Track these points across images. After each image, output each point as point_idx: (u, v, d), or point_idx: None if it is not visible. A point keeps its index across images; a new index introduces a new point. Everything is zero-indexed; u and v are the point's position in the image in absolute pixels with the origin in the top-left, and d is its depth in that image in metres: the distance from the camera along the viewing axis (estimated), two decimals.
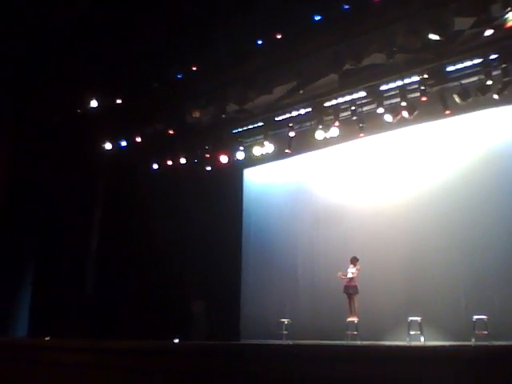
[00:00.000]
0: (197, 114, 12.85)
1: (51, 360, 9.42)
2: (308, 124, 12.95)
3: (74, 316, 13.85)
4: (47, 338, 11.23)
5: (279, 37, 11.13)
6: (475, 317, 9.97)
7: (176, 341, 11.16)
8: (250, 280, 14.30)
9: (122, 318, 13.56)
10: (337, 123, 12.18)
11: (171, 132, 13.67)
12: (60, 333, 11.73)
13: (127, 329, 13.06)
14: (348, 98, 12.13)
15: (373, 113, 11.71)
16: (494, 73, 10.16)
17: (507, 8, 8.79)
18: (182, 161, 14.03)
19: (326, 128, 12.28)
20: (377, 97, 11.53)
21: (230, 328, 13.33)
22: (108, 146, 14.11)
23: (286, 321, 12.47)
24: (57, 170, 14.60)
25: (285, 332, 12.32)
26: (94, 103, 13.52)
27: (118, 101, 13.44)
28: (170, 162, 14.21)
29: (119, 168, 14.37)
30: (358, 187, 13.08)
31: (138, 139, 13.84)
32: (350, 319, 11.52)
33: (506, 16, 8.83)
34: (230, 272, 14.05)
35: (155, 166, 14.50)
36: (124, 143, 14.15)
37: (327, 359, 7.37)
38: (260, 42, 11.44)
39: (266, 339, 12.22)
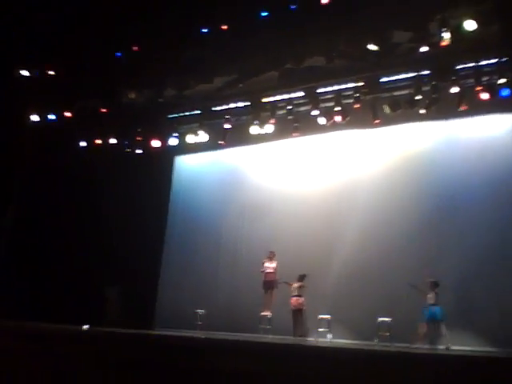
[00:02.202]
0: (132, 95, 12.56)
1: None
2: (244, 118, 12.96)
3: None
4: None
5: (225, 28, 11.10)
6: (380, 318, 10.45)
7: (86, 327, 10.79)
8: (171, 268, 14.12)
9: (32, 300, 12.90)
10: (272, 120, 12.31)
11: (104, 110, 13.24)
12: None
13: (38, 312, 12.45)
14: (286, 96, 12.29)
15: (308, 114, 11.91)
16: (424, 88, 10.65)
17: (443, 28, 9.27)
18: (112, 141, 13.64)
19: (262, 124, 12.38)
20: (313, 99, 11.76)
21: (144, 316, 13.06)
22: (35, 117, 13.45)
23: (200, 311, 12.48)
24: None
25: (199, 322, 12.33)
26: (24, 72, 12.81)
27: (51, 72, 12.83)
28: (99, 141, 13.75)
29: (45, 141, 13.71)
30: (286, 185, 13.23)
31: (68, 114, 13.30)
32: (263, 313, 11.75)
33: (442, 35, 9.31)
34: (149, 259, 13.76)
35: (83, 144, 13.97)
36: (52, 117, 13.53)
37: (232, 353, 7.48)
38: (205, 31, 11.36)
39: (180, 329, 12.18)
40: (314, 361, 6.72)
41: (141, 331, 10.83)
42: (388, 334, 10.25)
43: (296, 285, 11.60)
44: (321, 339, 10.85)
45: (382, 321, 10.41)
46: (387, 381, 6.14)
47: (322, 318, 11.07)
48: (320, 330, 11.02)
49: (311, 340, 11.00)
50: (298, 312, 11.49)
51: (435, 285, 10.23)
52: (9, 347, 8.83)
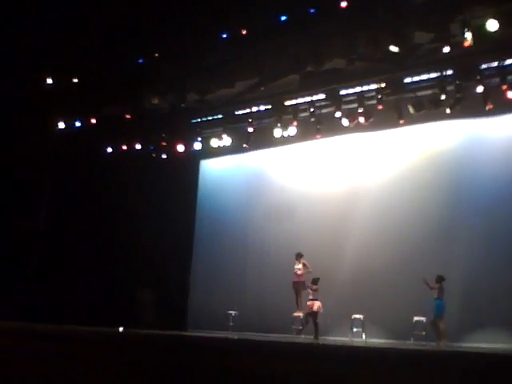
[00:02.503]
0: (156, 101, 12.72)
1: None
2: (267, 121, 13.04)
3: (16, 298, 13.53)
4: None
5: (244, 32, 11.12)
6: (415, 318, 10.44)
7: (121, 329, 11.14)
8: (200, 271, 14.37)
9: (67, 303, 13.35)
10: (295, 123, 12.34)
11: (128, 116, 13.46)
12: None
13: (72, 315, 12.89)
14: (308, 99, 12.30)
15: (330, 116, 11.90)
16: (448, 88, 10.51)
17: (465, 28, 9.14)
18: (138, 147, 13.88)
19: (285, 126, 12.43)
20: (335, 100, 11.73)
21: (177, 318, 13.35)
22: (61, 125, 13.77)
23: (233, 313, 12.66)
24: (9, 146, 14.07)
25: (231, 324, 12.53)
26: (49, 80, 13.09)
27: (75, 80, 13.07)
28: (124, 147, 14.01)
29: (72, 148, 14.03)
30: (310, 186, 13.25)
31: (93, 121, 13.56)
32: (295, 314, 11.80)
33: (464, 35, 9.18)
34: (179, 261, 14.03)
35: (109, 150, 14.25)
36: (78, 124, 13.83)
37: (269, 355, 7.54)
38: (225, 36, 11.41)
39: (213, 330, 12.42)
40: (349, 361, 6.73)
41: (174, 332, 11.10)
42: (424, 333, 10.27)
43: (311, 288, 11.43)
44: (355, 339, 10.92)
45: (418, 320, 10.39)
46: (424, 380, 6.16)
47: (355, 318, 11.11)
48: (354, 329, 11.09)
49: (346, 340, 11.00)
50: (309, 315, 11.24)
51: (439, 279, 10.22)
52: (42, 349, 9.07)
